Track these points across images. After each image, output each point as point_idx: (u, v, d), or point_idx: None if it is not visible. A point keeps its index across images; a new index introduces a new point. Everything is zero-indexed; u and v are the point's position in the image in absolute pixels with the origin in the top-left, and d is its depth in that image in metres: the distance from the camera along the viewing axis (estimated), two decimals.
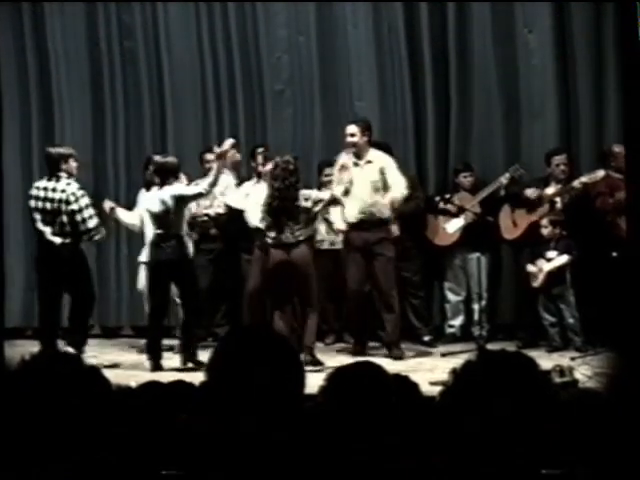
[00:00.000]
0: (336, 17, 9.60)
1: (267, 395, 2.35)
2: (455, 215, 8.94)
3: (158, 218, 7.94)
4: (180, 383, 3.42)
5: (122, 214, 8.51)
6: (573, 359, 7.68)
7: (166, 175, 7.97)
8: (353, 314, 8.53)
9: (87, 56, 10.04)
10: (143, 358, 8.18)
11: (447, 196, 8.88)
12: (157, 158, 8.27)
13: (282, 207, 7.81)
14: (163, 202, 7.90)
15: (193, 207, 8.68)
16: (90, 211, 8.08)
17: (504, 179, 8.74)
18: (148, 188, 8.39)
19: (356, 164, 8.36)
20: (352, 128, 8.34)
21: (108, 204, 8.51)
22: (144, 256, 8.47)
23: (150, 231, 8.06)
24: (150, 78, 9.98)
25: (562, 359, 7.49)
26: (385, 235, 8.34)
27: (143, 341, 8.79)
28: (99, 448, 2.31)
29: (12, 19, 10.07)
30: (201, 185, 8.07)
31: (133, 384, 3.57)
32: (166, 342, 9.15)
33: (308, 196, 7.93)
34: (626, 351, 4.63)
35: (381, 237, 8.30)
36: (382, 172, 8.31)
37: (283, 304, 7.92)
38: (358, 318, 8.47)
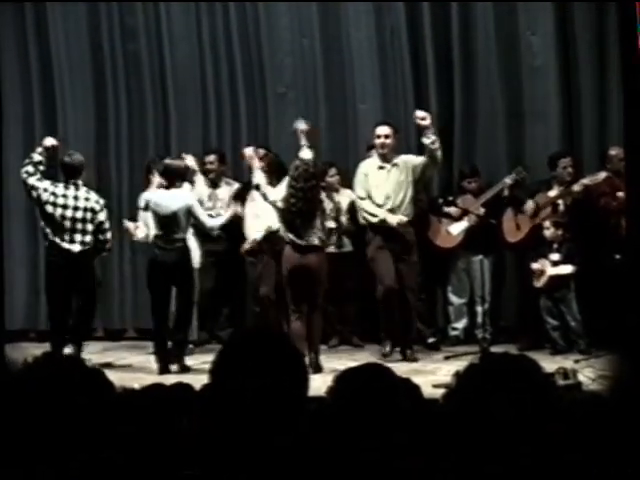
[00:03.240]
0: (339, 20, 9.59)
1: (270, 397, 2.35)
2: (458, 218, 8.94)
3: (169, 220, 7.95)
4: (182, 386, 3.42)
5: (141, 234, 8.39)
6: (577, 362, 7.66)
7: (174, 178, 8.01)
8: (389, 313, 8.33)
9: (90, 58, 10.05)
10: (148, 359, 8.21)
11: (450, 198, 8.87)
12: (166, 161, 8.28)
13: (301, 208, 7.73)
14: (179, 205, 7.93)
15: None
16: (108, 224, 8.17)
17: (507, 181, 8.74)
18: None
19: (382, 167, 8.34)
20: (385, 129, 8.35)
21: (132, 225, 8.45)
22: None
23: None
24: (153, 80, 9.99)
25: (566, 362, 7.47)
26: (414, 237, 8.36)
27: (145, 343, 8.84)
28: (101, 450, 2.31)
29: (15, 22, 10.08)
30: None
31: (137, 386, 3.57)
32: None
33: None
34: (629, 354, 4.63)
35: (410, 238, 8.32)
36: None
37: (299, 306, 7.89)
38: (394, 317, 8.31)
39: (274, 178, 8.29)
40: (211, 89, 9.91)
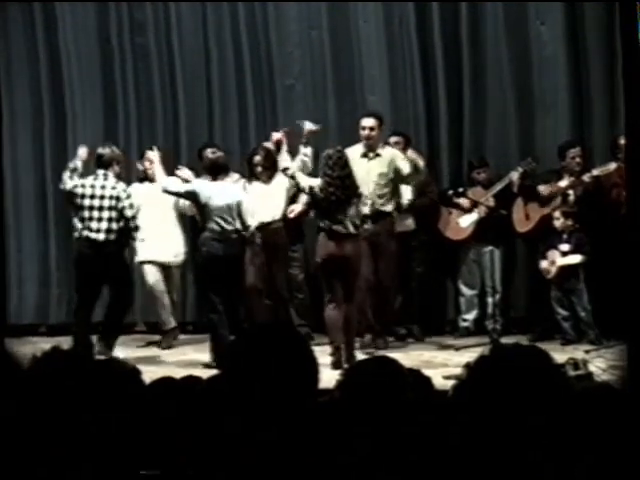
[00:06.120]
0: (347, 11, 9.57)
1: (279, 390, 2.35)
2: (469, 209, 8.93)
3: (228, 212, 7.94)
4: (192, 378, 3.42)
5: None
6: (587, 352, 7.65)
7: (218, 171, 8.04)
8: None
9: (98, 53, 10.06)
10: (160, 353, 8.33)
11: (460, 190, 8.87)
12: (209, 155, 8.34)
13: (339, 196, 7.67)
14: (234, 196, 7.96)
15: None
16: (135, 210, 8.21)
17: (516, 173, 8.72)
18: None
19: (365, 155, 8.44)
20: (371, 121, 8.46)
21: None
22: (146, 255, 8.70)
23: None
24: (162, 74, 9.99)
25: (576, 352, 7.46)
26: (389, 228, 8.42)
27: (157, 337, 8.88)
28: (108, 443, 2.30)
29: (23, 16, 10.09)
30: None
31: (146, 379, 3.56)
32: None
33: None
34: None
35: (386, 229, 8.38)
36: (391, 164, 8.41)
37: (335, 295, 7.79)
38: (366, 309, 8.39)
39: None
40: (219, 81, 9.90)
